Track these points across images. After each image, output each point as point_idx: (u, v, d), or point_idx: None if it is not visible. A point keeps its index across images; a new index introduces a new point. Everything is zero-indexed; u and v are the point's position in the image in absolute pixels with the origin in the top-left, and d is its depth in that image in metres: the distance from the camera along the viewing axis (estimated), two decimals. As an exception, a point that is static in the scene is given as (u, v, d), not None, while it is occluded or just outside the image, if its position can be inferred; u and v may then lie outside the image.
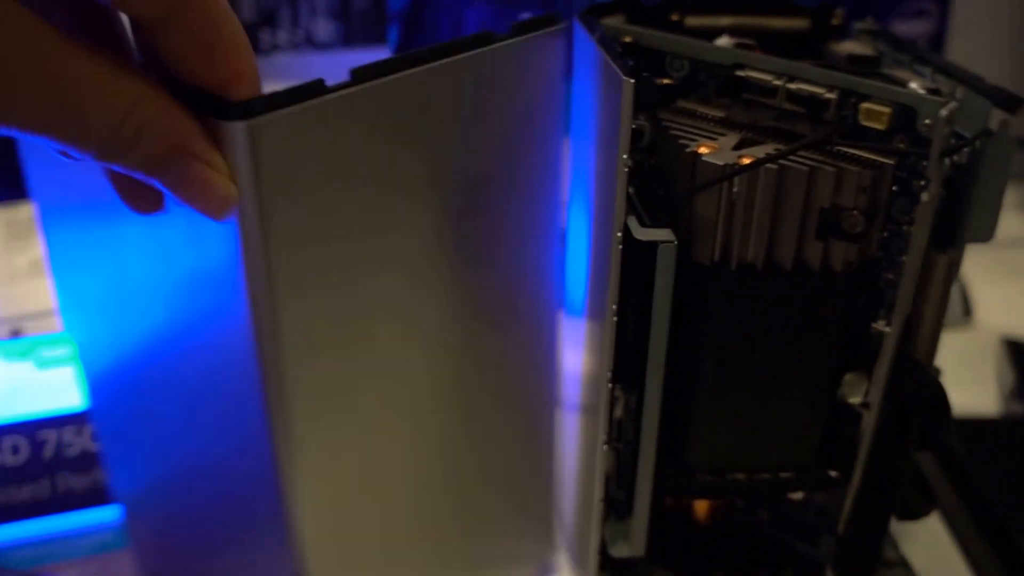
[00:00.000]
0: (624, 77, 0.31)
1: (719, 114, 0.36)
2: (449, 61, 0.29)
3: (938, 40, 0.74)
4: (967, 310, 0.65)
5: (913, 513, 0.38)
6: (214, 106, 0.23)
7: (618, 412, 0.36)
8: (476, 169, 0.32)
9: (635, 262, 0.33)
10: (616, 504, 0.39)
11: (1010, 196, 0.84)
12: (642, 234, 0.32)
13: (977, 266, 0.66)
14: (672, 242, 0.32)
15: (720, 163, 0.32)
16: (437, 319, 0.32)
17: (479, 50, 0.30)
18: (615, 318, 0.34)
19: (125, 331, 0.32)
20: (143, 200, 0.26)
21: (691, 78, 0.37)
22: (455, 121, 0.30)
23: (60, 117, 0.22)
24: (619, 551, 0.37)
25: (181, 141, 0.23)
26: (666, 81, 0.36)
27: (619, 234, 0.33)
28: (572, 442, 0.43)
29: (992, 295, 0.67)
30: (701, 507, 0.42)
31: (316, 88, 0.24)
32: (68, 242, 0.33)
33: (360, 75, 0.25)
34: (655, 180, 0.35)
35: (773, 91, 0.35)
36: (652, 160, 0.36)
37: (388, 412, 0.32)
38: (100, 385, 0.36)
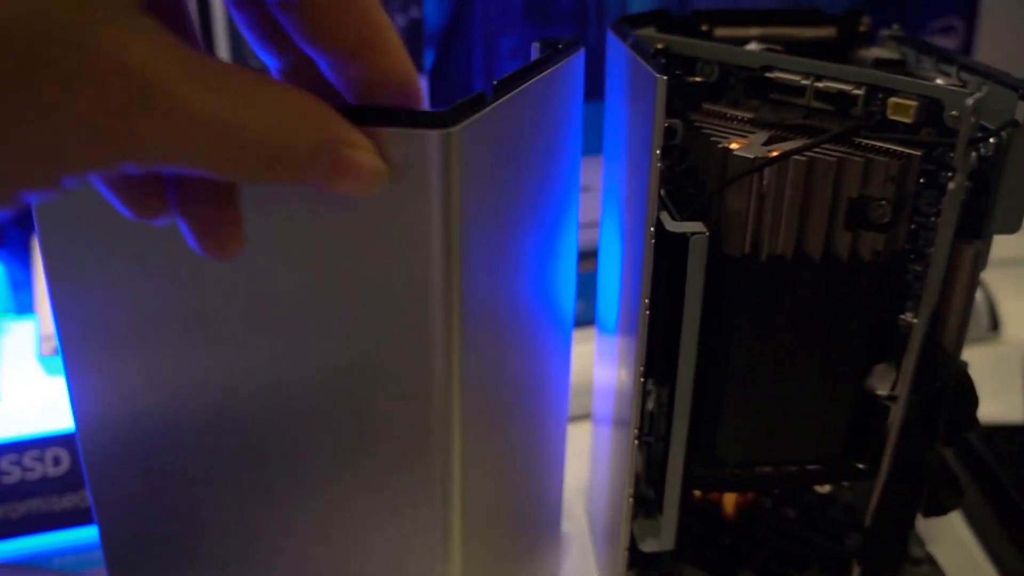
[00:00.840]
0: (657, 75, 0.32)
1: (748, 115, 0.36)
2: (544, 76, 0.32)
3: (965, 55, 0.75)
4: (994, 324, 0.65)
5: (941, 507, 0.38)
6: (411, 117, 0.25)
7: (650, 405, 0.36)
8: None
9: (667, 255, 0.34)
10: (645, 502, 0.39)
11: None
12: (674, 226, 0.33)
13: (1005, 282, 0.67)
14: (704, 233, 0.33)
15: (751, 156, 0.33)
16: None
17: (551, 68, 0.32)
18: (648, 312, 0.35)
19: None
20: (148, 205, 0.25)
21: (721, 82, 0.38)
22: (552, 129, 0.33)
23: (222, 146, 0.21)
24: (649, 546, 0.38)
25: (326, 132, 0.23)
26: (697, 79, 0.37)
27: (652, 228, 0.33)
28: (604, 445, 0.43)
29: (1020, 310, 0.67)
30: (728, 504, 0.42)
31: (480, 99, 0.26)
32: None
33: (501, 87, 0.28)
34: (686, 182, 0.36)
35: (801, 90, 0.36)
36: (683, 165, 0.36)
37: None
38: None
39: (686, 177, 0.36)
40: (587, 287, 0.46)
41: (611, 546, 0.41)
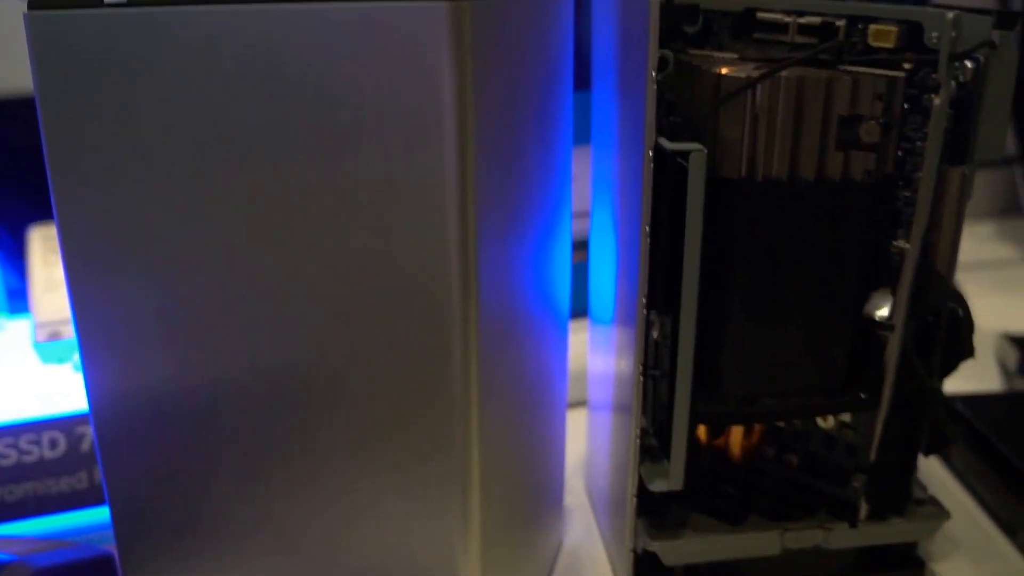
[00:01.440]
0: (650, -1, 0.33)
1: (734, 56, 0.38)
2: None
3: None
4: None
5: (943, 439, 0.39)
6: None
7: (655, 334, 0.37)
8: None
9: (666, 179, 0.34)
10: (650, 451, 0.39)
11: (992, 227, 0.89)
12: (673, 146, 0.34)
13: (972, 282, 0.69)
14: (703, 150, 0.33)
15: (743, 75, 0.34)
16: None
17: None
18: (648, 239, 0.35)
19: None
20: None
21: (705, 31, 0.39)
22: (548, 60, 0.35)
23: None
24: (658, 486, 0.37)
25: None
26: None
27: (651, 152, 0.34)
28: (604, 414, 0.43)
29: (986, 304, 0.69)
30: (734, 449, 0.42)
31: None
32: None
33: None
34: (676, 117, 0.37)
35: (784, 27, 0.37)
36: (670, 95, 0.37)
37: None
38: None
39: (670, 110, 0.37)
40: (577, 279, 0.47)
41: (615, 506, 0.41)
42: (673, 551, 0.39)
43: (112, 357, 0.32)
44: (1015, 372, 0.57)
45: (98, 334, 0.32)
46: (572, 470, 0.49)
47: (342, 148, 0.28)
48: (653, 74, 0.34)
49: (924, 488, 0.41)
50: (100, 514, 0.44)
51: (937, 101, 0.34)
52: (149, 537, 0.35)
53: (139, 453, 0.33)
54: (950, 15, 0.33)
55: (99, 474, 0.44)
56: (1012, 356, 0.58)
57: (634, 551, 0.40)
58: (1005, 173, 0.91)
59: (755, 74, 0.34)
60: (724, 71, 0.35)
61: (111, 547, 0.36)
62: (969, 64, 0.35)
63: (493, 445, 0.32)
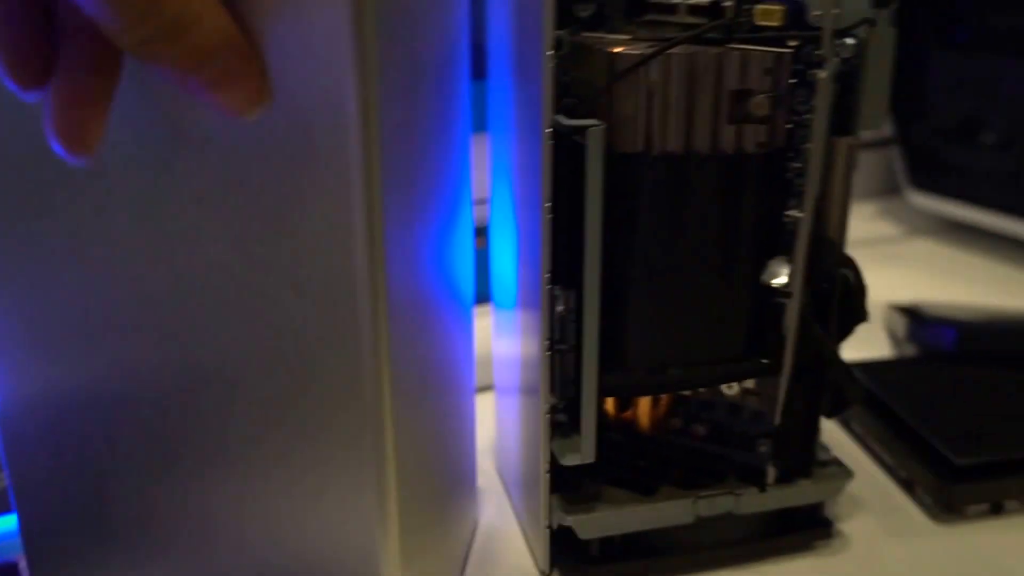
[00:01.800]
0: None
1: (626, 37, 0.38)
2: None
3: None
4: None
5: (844, 401, 0.40)
6: None
7: (559, 307, 0.37)
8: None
9: (565, 157, 0.35)
10: (560, 426, 0.39)
11: (873, 207, 0.93)
12: (571, 122, 0.34)
13: (857, 258, 0.71)
14: (601, 125, 0.34)
15: (637, 52, 0.35)
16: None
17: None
18: (550, 215, 0.36)
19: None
20: (28, 69, 0.25)
21: (598, 14, 0.40)
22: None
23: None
24: (570, 460, 0.38)
25: (233, 37, 0.24)
26: None
27: (549, 130, 0.35)
28: (512, 395, 0.43)
29: (872, 278, 0.72)
30: (642, 422, 0.43)
31: None
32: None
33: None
34: (571, 97, 0.38)
35: (673, 8, 0.38)
36: (565, 77, 0.38)
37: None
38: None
39: (569, 93, 0.37)
40: (478, 265, 0.47)
41: (528, 485, 0.41)
42: (588, 524, 0.39)
43: (14, 360, 0.31)
44: (904, 339, 0.60)
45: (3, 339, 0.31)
46: (481, 453, 0.49)
47: (241, 137, 0.28)
48: (550, 53, 0.34)
49: (827, 450, 0.43)
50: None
51: (822, 76, 0.35)
52: (57, 542, 0.34)
53: (46, 457, 0.32)
54: (831, -8, 0.35)
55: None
56: (900, 324, 0.60)
57: (549, 527, 0.40)
58: (884, 155, 0.95)
59: (648, 52, 0.35)
60: (617, 50, 0.35)
61: (17, 556, 0.35)
62: (850, 40, 0.37)
63: (406, 431, 0.32)
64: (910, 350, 0.60)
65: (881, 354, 0.59)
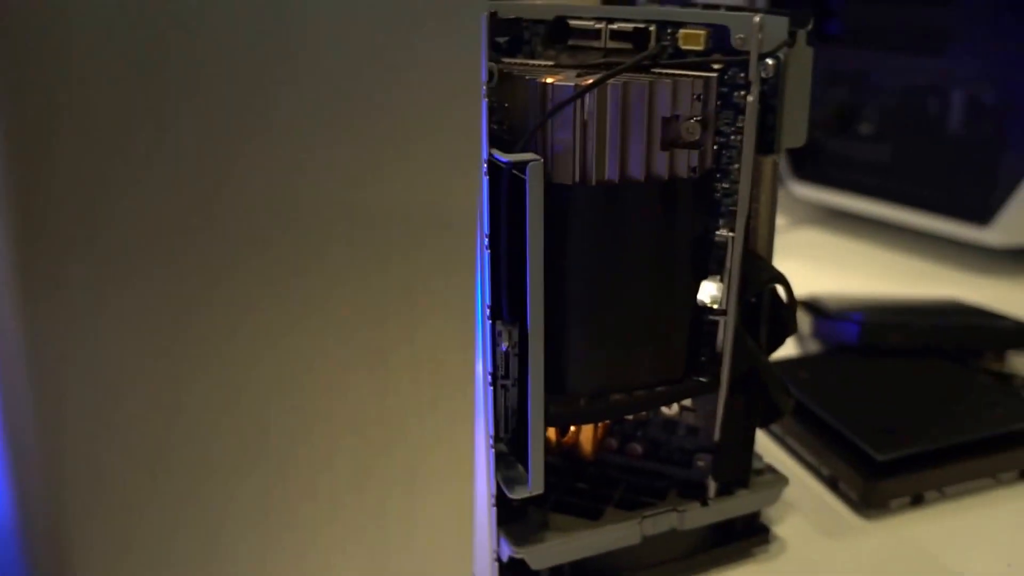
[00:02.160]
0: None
1: (549, 63, 0.38)
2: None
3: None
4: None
5: (778, 411, 0.41)
6: None
7: (503, 345, 0.37)
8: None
9: (502, 191, 0.35)
10: (502, 457, 0.39)
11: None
12: (510, 157, 0.34)
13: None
14: (540, 160, 0.34)
15: (571, 84, 0.34)
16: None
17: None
18: (488, 250, 0.35)
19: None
20: None
21: (516, 39, 0.40)
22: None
23: None
24: (519, 493, 0.38)
25: None
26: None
27: (485, 164, 0.34)
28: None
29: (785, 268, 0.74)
30: (584, 447, 0.43)
31: None
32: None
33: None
34: (503, 131, 0.37)
35: (597, 33, 0.38)
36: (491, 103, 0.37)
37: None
38: None
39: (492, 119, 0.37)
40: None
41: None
42: (540, 555, 0.39)
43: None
44: (809, 335, 0.61)
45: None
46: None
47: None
48: (483, 88, 0.34)
49: (760, 458, 0.44)
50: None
51: (750, 98, 0.36)
52: None
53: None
54: (757, 18, 0.35)
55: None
56: (804, 321, 0.62)
57: (499, 560, 0.40)
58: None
59: (582, 82, 0.34)
60: (550, 80, 0.35)
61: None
62: (770, 61, 0.37)
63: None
64: (813, 346, 0.62)
65: (785, 351, 0.61)
